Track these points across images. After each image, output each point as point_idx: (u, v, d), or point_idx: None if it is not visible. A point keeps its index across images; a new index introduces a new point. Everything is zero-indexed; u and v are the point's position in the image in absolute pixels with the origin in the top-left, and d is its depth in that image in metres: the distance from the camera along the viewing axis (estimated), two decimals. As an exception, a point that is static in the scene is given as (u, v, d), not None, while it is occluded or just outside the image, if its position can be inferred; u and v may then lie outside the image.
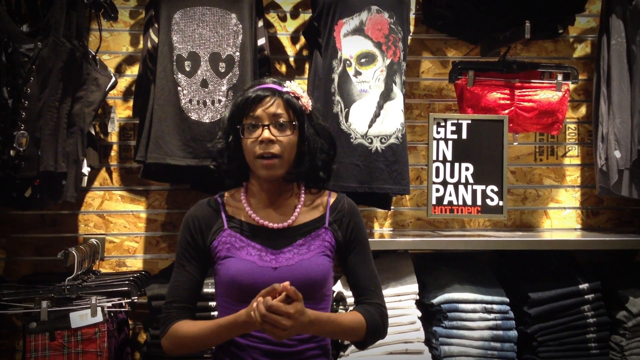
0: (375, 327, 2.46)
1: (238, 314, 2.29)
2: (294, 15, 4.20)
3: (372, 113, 3.64)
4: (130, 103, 3.98)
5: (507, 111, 3.94)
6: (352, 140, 3.63)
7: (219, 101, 3.57)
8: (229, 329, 2.33)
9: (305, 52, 4.16)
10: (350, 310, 2.53)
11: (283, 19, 4.20)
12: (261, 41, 3.76)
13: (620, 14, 3.95)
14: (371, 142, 3.64)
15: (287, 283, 2.19)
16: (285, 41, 4.19)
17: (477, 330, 3.60)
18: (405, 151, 3.73)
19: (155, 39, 3.64)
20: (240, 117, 2.46)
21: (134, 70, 4.05)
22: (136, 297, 3.51)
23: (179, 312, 2.45)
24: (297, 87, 2.52)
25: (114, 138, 4.09)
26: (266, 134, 2.41)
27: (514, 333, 3.62)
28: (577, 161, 4.35)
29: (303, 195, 2.57)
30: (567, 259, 3.98)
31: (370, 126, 3.64)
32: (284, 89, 2.49)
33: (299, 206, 2.54)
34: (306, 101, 2.53)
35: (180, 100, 3.57)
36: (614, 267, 4.05)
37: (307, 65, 4.07)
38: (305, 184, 2.60)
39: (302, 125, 2.48)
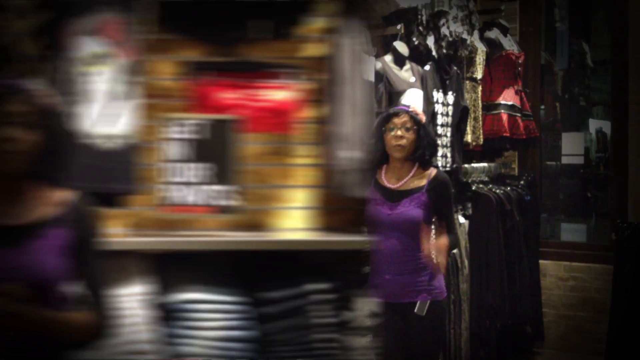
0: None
1: None
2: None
3: (105, 113, 3.62)
4: None
5: (240, 111, 3.98)
6: (84, 140, 3.58)
7: None
8: None
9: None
10: None
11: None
12: None
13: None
14: (102, 142, 3.61)
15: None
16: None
17: (212, 330, 3.63)
18: (136, 152, 3.71)
19: None
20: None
21: None
22: None
23: None
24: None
25: None
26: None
27: (249, 333, 3.68)
28: (312, 161, 4.41)
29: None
30: (298, 260, 4.01)
31: (102, 126, 3.61)
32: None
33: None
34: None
35: None
36: (344, 267, 4.13)
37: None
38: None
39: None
